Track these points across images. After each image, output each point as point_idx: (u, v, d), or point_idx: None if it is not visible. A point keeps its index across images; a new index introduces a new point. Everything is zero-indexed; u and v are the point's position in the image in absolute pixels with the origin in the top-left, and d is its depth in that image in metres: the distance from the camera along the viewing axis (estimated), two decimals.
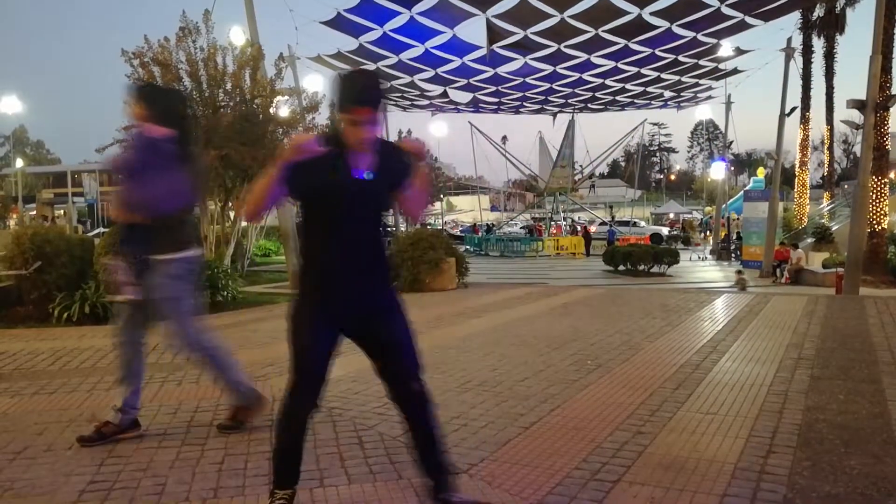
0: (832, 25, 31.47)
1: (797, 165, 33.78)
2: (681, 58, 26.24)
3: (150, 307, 3.67)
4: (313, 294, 2.56)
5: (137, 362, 3.85)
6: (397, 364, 2.64)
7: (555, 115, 40.69)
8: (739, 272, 17.84)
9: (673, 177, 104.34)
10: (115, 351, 3.85)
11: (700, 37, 23.79)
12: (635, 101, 35.86)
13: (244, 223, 14.92)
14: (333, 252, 2.52)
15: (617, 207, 60.64)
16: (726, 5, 20.65)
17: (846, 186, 37.97)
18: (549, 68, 27.83)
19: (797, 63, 27.77)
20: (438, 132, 43.14)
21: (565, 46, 24.94)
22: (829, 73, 32.36)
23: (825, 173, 38.85)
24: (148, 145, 3.56)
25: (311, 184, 2.44)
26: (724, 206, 33.89)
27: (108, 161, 4.04)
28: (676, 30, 23.07)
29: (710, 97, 35.13)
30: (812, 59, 32.13)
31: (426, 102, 35.31)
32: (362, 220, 2.53)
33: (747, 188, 33.22)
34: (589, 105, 37.80)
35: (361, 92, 2.41)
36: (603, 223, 44.11)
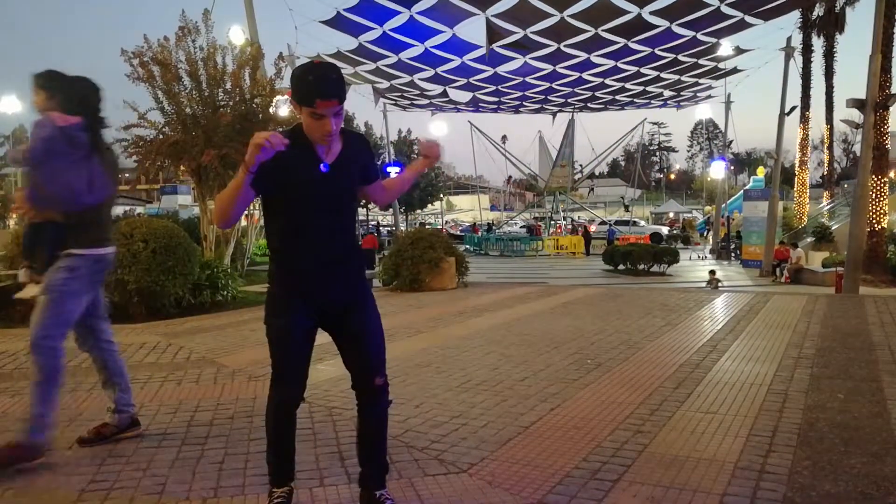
0: (832, 25, 31.47)
1: (797, 165, 33.77)
2: (680, 57, 26.24)
3: (92, 302, 3.54)
4: (287, 288, 2.56)
5: (112, 361, 3.76)
6: (363, 357, 2.63)
7: (554, 114, 40.71)
8: (713, 272, 17.87)
9: (673, 176, 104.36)
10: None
11: (700, 36, 23.79)
12: (635, 100, 35.86)
13: (241, 223, 14.93)
14: (303, 246, 2.51)
15: (616, 207, 60.65)
16: (726, 4, 20.65)
17: (846, 186, 37.99)
18: (548, 67, 27.83)
19: (797, 62, 27.78)
20: (438, 131, 43.06)
21: (565, 46, 24.94)
22: (829, 73, 32.36)
23: (825, 172, 38.84)
24: (54, 134, 3.26)
25: (278, 180, 2.41)
26: (724, 205, 33.90)
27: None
28: (676, 29, 23.07)
29: (709, 96, 35.15)
30: (812, 59, 32.13)
31: (426, 102, 35.32)
32: (331, 213, 2.52)
33: (747, 187, 33.22)
34: (589, 104, 37.81)
35: (326, 84, 2.36)
36: (603, 223, 44.14)
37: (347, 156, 2.54)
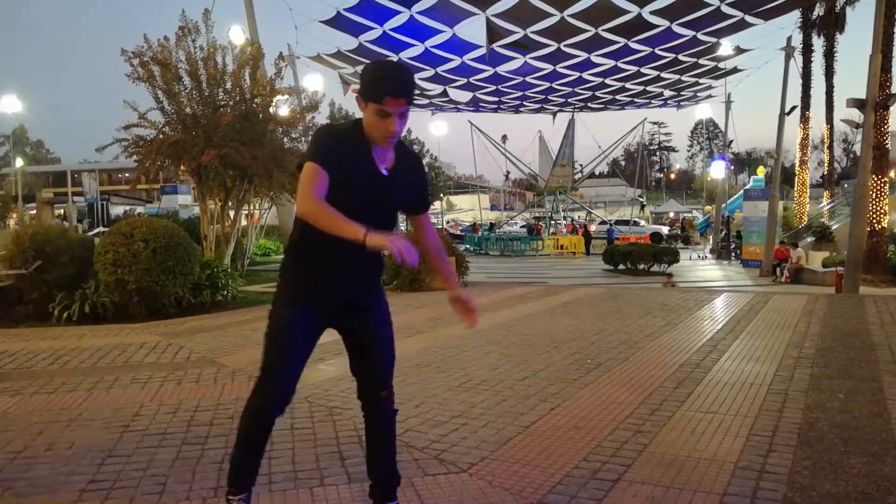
0: (832, 24, 31.45)
1: (797, 164, 33.75)
2: (681, 57, 26.25)
3: None
4: (302, 283, 2.48)
5: None
6: (372, 367, 2.56)
7: (555, 114, 40.71)
8: (669, 275, 17.93)
9: (673, 176, 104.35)
10: None
11: (700, 36, 23.80)
12: (635, 100, 35.88)
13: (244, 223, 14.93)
14: (336, 244, 2.32)
15: (616, 207, 60.61)
16: (726, 4, 20.66)
17: (846, 185, 37.94)
18: (548, 67, 27.85)
19: (797, 62, 27.77)
20: (438, 131, 43.21)
21: (565, 45, 24.95)
22: (829, 72, 32.34)
23: (825, 172, 38.82)
24: None
25: (339, 170, 2.32)
26: (724, 205, 33.89)
27: None
28: (676, 29, 23.08)
29: (709, 96, 35.17)
30: (812, 58, 32.11)
31: (426, 101, 35.32)
32: (374, 217, 2.37)
33: (747, 187, 33.22)
34: (589, 104, 37.82)
35: (398, 82, 2.29)
36: (603, 222, 44.17)
37: (403, 167, 2.46)
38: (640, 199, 48.07)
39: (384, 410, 2.59)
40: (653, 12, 21.75)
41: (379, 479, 2.62)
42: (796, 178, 34.01)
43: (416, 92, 31.69)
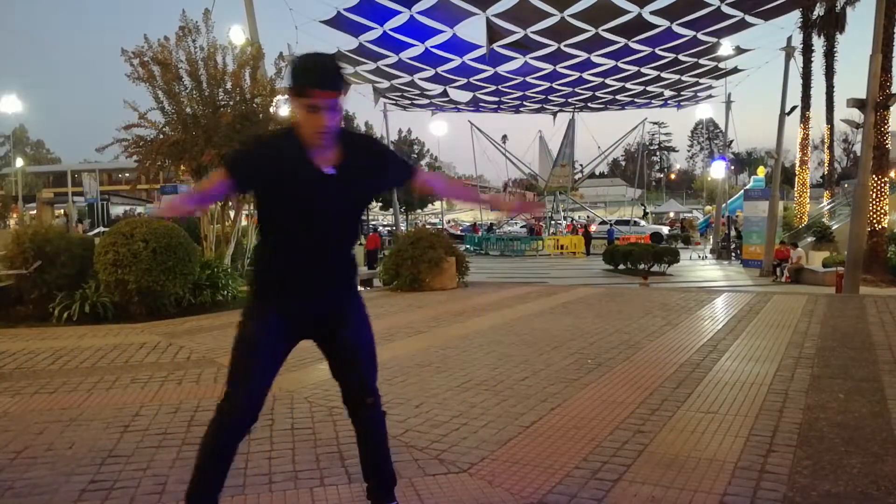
0: (832, 24, 31.45)
1: (797, 164, 33.75)
2: (681, 57, 26.25)
3: None
4: (268, 296, 2.38)
5: None
6: (353, 374, 2.49)
7: (555, 114, 40.71)
8: (645, 276, 17.99)
9: (673, 176, 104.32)
10: None
11: (700, 36, 23.80)
12: (635, 100, 35.88)
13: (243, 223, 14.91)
14: (291, 252, 2.31)
15: (616, 207, 60.56)
16: (726, 4, 20.67)
17: (846, 185, 37.94)
18: (549, 67, 27.85)
19: (797, 62, 27.77)
20: (438, 131, 43.19)
21: (565, 45, 24.95)
22: (830, 72, 32.35)
23: (825, 172, 38.84)
24: None
25: (267, 177, 2.23)
26: (724, 205, 33.89)
27: None
28: (676, 29, 23.08)
29: (710, 96, 35.18)
30: (812, 58, 32.11)
31: (426, 101, 35.33)
32: (322, 221, 2.29)
33: (747, 187, 33.21)
34: (589, 104, 37.82)
35: (324, 73, 2.17)
36: (603, 222, 44.19)
37: (354, 158, 2.29)
38: (643, 207, 48.01)
39: (371, 416, 2.52)
40: (653, 12, 21.76)
41: (374, 482, 2.58)
42: (796, 178, 34.01)
43: (416, 92, 31.73)
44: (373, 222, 48.24)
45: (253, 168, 2.25)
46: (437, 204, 54.61)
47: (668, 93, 33.78)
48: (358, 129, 42.84)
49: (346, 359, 2.48)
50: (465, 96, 33.73)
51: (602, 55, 26.25)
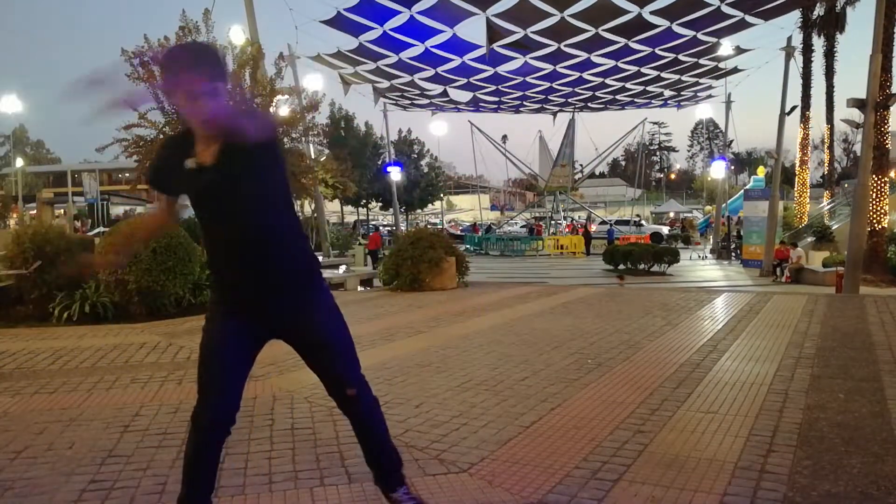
0: (832, 24, 31.45)
1: (797, 164, 33.74)
2: (681, 57, 26.25)
3: None
4: (218, 299, 2.38)
5: None
6: (328, 371, 2.44)
7: (555, 114, 40.71)
8: (621, 276, 18.02)
9: (673, 176, 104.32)
10: None
11: (700, 36, 23.80)
12: (635, 100, 35.88)
13: None
14: (215, 252, 2.30)
15: (616, 207, 60.56)
16: (726, 4, 20.67)
17: (846, 185, 37.94)
18: (549, 67, 27.84)
19: (797, 62, 27.76)
20: (438, 131, 43.18)
21: (565, 45, 24.95)
22: (830, 72, 32.34)
23: (825, 172, 38.83)
24: None
25: (174, 179, 2.23)
26: (724, 205, 33.89)
27: None
28: (676, 29, 23.08)
29: (710, 96, 35.17)
30: (812, 58, 32.10)
31: (426, 101, 35.33)
32: (221, 219, 2.22)
33: (747, 187, 33.20)
34: (589, 104, 37.82)
35: (193, 59, 2.10)
36: (603, 222, 44.21)
37: (234, 149, 2.11)
38: (637, 219, 48.00)
39: (359, 408, 2.48)
40: (653, 12, 21.75)
41: (377, 468, 2.59)
42: (796, 178, 34.01)
43: (416, 92, 31.72)
44: (373, 222, 48.26)
45: (163, 173, 2.26)
46: (438, 204, 54.63)
47: (668, 93, 33.77)
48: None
49: (318, 357, 2.44)
50: (465, 96, 33.73)
51: (602, 55, 26.25)
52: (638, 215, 50.44)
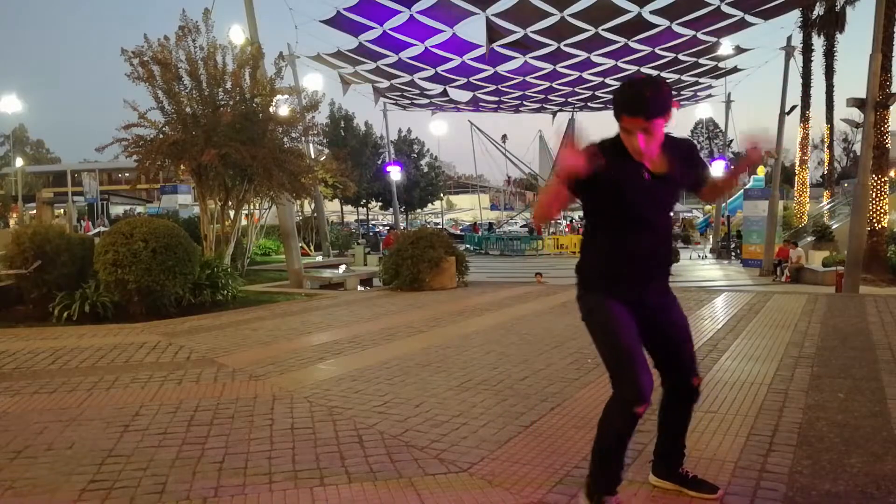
0: (832, 24, 31.43)
1: (797, 164, 33.72)
2: (680, 56, 26.22)
3: None
4: (607, 288, 2.66)
5: None
6: (680, 358, 2.81)
7: (555, 113, 40.69)
8: (539, 274, 18.08)
9: None
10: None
11: (700, 35, 23.77)
12: None
13: (255, 222, 14.91)
14: (626, 252, 2.58)
15: None
16: (726, 3, 20.63)
17: (846, 185, 37.95)
18: (548, 67, 27.82)
19: (797, 61, 27.73)
20: (438, 131, 43.19)
21: (565, 45, 24.92)
22: (829, 72, 32.32)
23: (825, 172, 38.80)
24: None
25: (600, 188, 2.44)
26: (724, 204, 33.87)
27: None
28: (676, 28, 23.05)
29: (709, 95, 35.11)
30: (812, 58, 32.07)
31: (426, 101, 35.29)
32: (651, 222, 2.57)
33: (747, 187, 33.18)
34: (589, 104, 37.79)
35: (634, 101, 2.38)
36: None
37: (670, 164, 2.52)
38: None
39: (694, 397, 2.81)
40: (653, 12, 21.71)
41: (675, 455, 2.86)
42: (796, 177, 34.00)
43: (416, 92, 31.74)
44: (372, 222, 48.25)
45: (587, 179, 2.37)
46: (438, 203, 54.64)
47: None
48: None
49: (669, 344, 2.77)
50: (464, 96, 33.68)
51: (602, 55, 26.22)
52: None
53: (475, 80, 29.73)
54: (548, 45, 25.03)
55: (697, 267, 25.15)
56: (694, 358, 2.78)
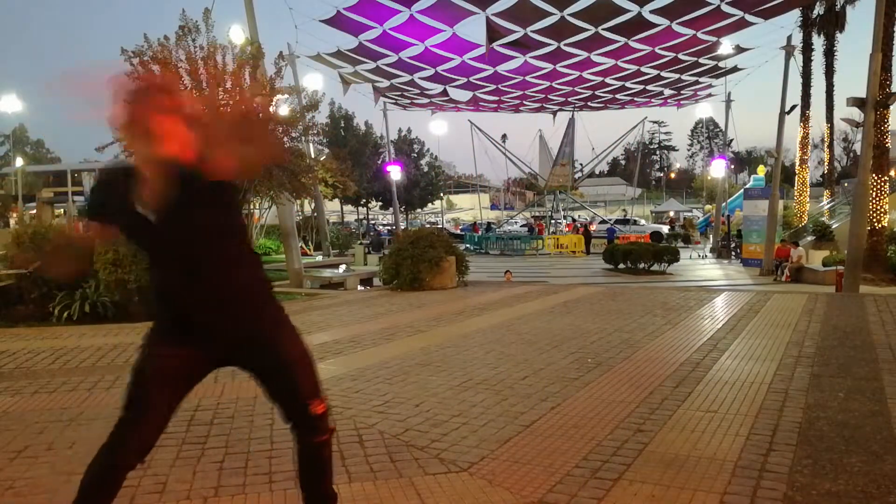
0: (832, 23, 31.42)
1: (797, 163, 33.71)
2: (681, 56, 26.23)
3: None
4: (162, 323, 2.44)
5: None
6: (285, 392, 2.32)
7: (555, 113, 40.69)
8: (508, 272, 18.14)
9: (673, 175, 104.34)
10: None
11: (700, 35, 23.77)
12: (635, 99, 35.84)
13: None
14: (170, 287, 2.47)
15: (615, 207, 60.58)
16: (726, 3, 20.64)
17: (846, 184, 37.93)
18: (548, 66, 27.82)
19: (797, 61, 27.72)
20: (438, 130, 43.16)
21: (565, 44, 24.93)
22: (830, 71, 32.31)
23: (825, 171, 38.77)
24: None
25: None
26: (724, 204, 33.87)
27: None
28: (676, 28, 23.05)
29: (710, 95, 35.11)
30: (812, 57, 32.06)
31: (426, 101, 35.29)
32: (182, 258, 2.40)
33: (747, 186, 33.17)
34: (589, 103, 37.78)
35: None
36: (603, 221, 44.24)
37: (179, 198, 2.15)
38: (624, 211, 48.06)
39: (314, 432, 2.38)
40: (653, 11, 21.73)
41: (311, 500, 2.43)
42: (796, 177, 33.99)
43: (416, 91, 31.74)
44: (372, 221, 48.25)
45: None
46: (438, 203, 54.63)
47: (667, 92, 33.73)
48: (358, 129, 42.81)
49: (270, 379, 2.29)
50: (464, 95, 33.68)
51: (602, 54, 26.23)
52: (624, 209, 50.57)
53: (475, 79, 29.73)
54: (548, 44, 25.04)
55: (697, 266, 25.14)
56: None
